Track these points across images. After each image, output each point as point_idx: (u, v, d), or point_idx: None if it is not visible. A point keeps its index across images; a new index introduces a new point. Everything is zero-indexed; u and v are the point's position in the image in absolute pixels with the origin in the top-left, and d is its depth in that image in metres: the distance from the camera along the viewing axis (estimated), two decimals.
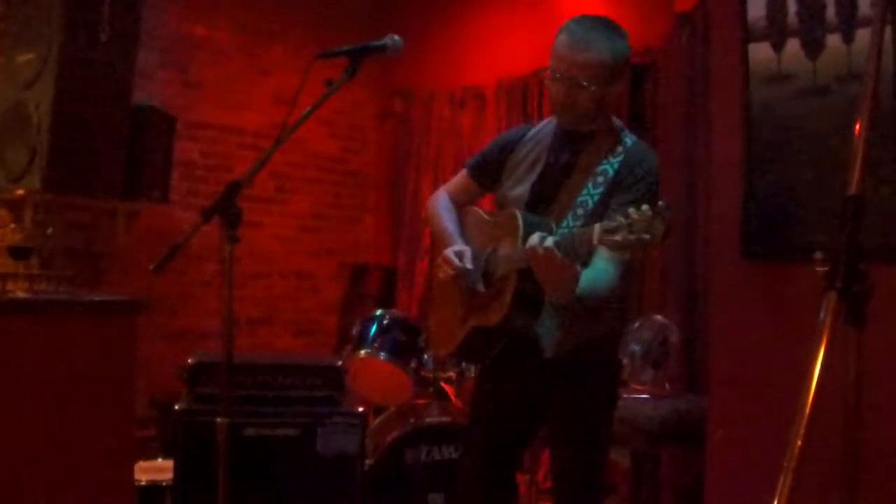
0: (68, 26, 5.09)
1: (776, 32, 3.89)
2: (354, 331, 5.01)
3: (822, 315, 1.41)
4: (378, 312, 5.03)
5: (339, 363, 4.52)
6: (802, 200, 3.75)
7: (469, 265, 2.99)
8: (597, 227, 2.44)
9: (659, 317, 5.10)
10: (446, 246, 3.13)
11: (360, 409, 4.41)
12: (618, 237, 2.36)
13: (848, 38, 3.66)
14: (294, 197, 7.31)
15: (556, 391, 3.01)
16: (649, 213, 2.34)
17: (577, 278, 2.61)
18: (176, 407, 4.24)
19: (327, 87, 2.76)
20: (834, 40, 3.70)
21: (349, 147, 7.77)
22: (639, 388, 4.91)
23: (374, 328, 4.90)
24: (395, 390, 4.89)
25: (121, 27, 5.35)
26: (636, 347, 4.96)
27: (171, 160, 6.05)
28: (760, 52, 3.94)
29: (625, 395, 4.88)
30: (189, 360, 4.32)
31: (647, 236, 2.33)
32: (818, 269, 1.47)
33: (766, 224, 3.88)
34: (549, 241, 2.53)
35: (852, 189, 1.52)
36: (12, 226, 4.81)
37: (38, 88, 5.14)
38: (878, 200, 3.38)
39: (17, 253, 4.05)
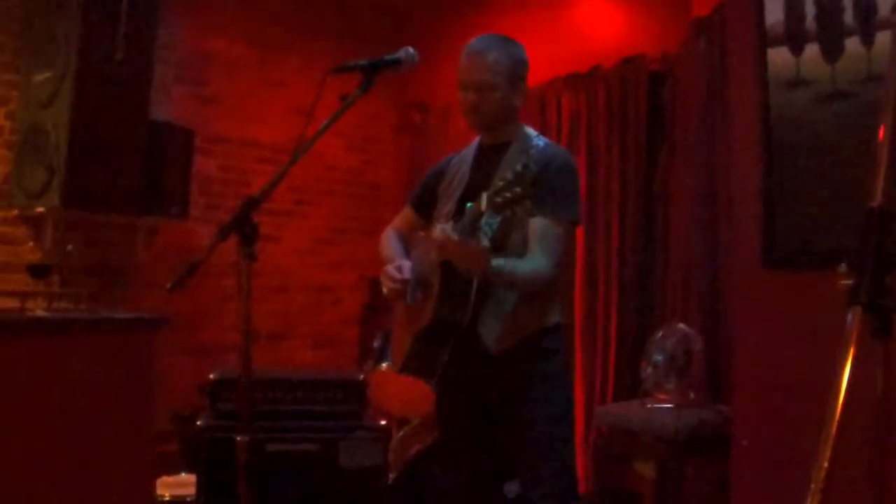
0: (84, 45, 5.10)
1: (794, 37, 3.85)
2: (376, 344, 5.01)
3: (847, 330, 1.37)
4: None
5: (361, 377, 4.51)
6: (823, 207, 3.71)
7: (407, 276, 3.13)
8: (483, 195, 2.59)
9: (682, 325, 5.07)
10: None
11: (383, 423, 4.40)
12: (498, 199, 2.53)
13: (867, 42, 3.62)
14: (313, 210, 7.30)
15: (508, 399, 3.08)
16: (520, 168, 2.54)
17: (484, 252, 2.72)
18: (198, 423, 4.24)
19: (342, 101, 2.76)
20: (853, 44, 3.66)
21: (367, 159, 7.76)
22: (662, 397, 4.88)
23: None
24: (418, 403, 4.85)
25: (136, 44, 5.37)
26: (659, 357, 4.92)
27: (189, 175, 6.05)
28: (779, 56, 3.91)
29: (648, 405, 4.86)
30: (210, 376, 4.32)
31: (519, 189, 2.51)
32: (842, 282, 1.43)
33: (786, 232, 3.85)
34: (448, 228, 2.69)
35: (876, 199, 1.48)
36: (31, 244, 4.81)
37: (56, 107, 5.15)
38: None
39: (37, 271, 4.06)
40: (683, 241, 5.58)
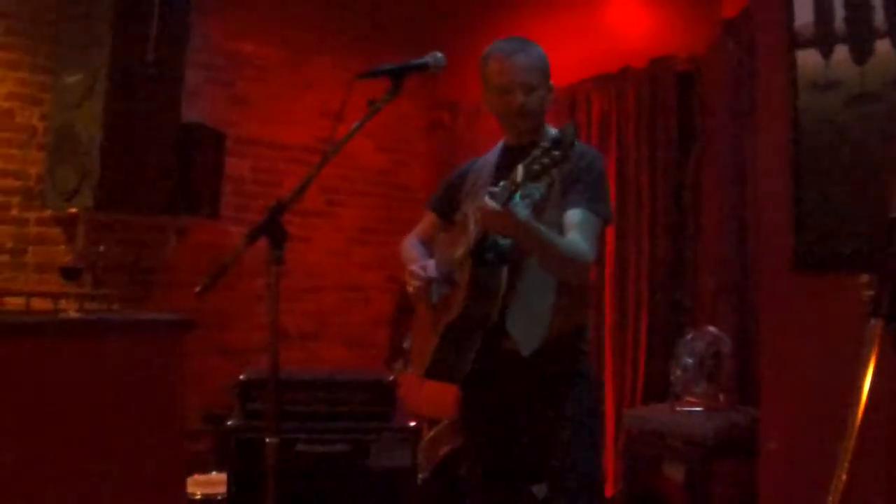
0: (116, 47, 5.13)
1: (824, 38, 3.84)
2: (405, 344, 5.01)
3: (868, 342, 1.36)
4: None
5: (391, 378, 4.53)
6: (852, 210, 3.70)
7: (433, 275, 3.13)
8: (518, 167, 2.55)
9: (712, 328, 5.06)
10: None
11: (412, 424, 4.42)
12: (536, 166, 2.49)
13: None
14: (343, 210, 7.31)
15: (535, 399, 3.06)
16: (557, 134, 2.51)
17: (517, 215, 2.62)
18: (228, 423, 4.27)
19: (370, 107, 2.77)
20: (883, 46, 3.65)
21: (397, 160, 7.77)
22: (692, 400, 4.87)
23: None
24: (448, 403, 4.88)
25: (168, 46, 5.40)
26: (689, 359, 4.92)
27: (220, 176, 6.07)
28: (808, 58, 3.90)
29: (678, 408, 4.85)
30: (241, 377, 4.35)
31: (557, 153, 2.46)
32: (864, 293, 1.42)
33: (816, 235, 3.83)
34: (487, 199, 2.62)
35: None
36: (62, 247, 4.86)
37: (88, 108, 5.18)
38: None
39: (68, 274, 4.10)
40: (714, 243, 5.56)
